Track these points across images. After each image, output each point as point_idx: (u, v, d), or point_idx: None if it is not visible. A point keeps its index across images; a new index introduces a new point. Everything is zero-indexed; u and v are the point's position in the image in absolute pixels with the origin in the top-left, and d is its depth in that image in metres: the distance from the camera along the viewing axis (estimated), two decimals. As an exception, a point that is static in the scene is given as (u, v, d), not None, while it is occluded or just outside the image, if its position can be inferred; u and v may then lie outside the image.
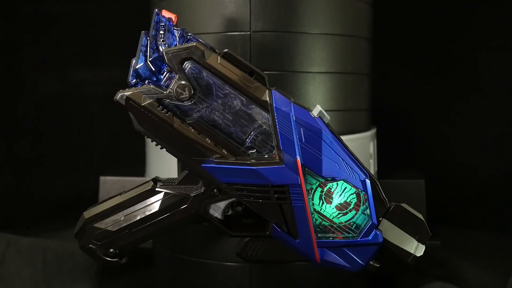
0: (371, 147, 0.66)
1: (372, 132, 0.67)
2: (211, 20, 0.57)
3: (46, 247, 0.73)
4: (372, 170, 0.66)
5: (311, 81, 0.58)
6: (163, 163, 0.63)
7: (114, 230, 0.48)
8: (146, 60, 0.46)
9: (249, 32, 0.56)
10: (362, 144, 0.63)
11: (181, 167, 0.58)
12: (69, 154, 0.97)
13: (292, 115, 0.45)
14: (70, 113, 0.97)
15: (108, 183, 0.80)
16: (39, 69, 0.95)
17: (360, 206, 0.46)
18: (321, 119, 0.45)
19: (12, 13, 0.93)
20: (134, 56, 0.46)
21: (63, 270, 0.71)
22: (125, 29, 0.89)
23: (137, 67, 0.46)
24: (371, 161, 0.66)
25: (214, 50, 0.46)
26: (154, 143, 0.47)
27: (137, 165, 0.77)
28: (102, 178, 0.81)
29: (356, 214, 0.46)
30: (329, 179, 0.45)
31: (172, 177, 0.50)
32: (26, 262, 0.70)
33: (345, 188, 0.46)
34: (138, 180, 0.73)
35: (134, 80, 0.46)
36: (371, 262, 0.47)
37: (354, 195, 0.46)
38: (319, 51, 0.58)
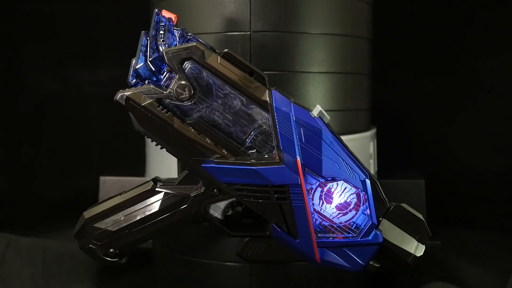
0: (371, 147, 0.66)
1: (372, 132, 0.67)
2: (211, 20, 0.57)
3: (46, 247, 0.73)
4: (372, 170, 0.66)
5: (311, 81, 0.58)
6: (163, 163, 0.63)
7: (114, 230, 0.48)
8: (146, 60, 0.46)
9: (249, 32, 0.56)
10: (362, 144, 0.63)
11: (181, 167, 0.58)
12: (69, 154, 0.97)
13: (292, 115, 0.45)
14: (70, 113, 0.97)
15: (108, 183, 0.80)
16: (39, 69, 0.95)
17: (360, 206, 0.46)
18: (321, 119, 0.45)
19: (12, 12, 0.93)
20: (134, 56, 0.46)
21: (63, 270, 0.70)
22: (125, 29, 0.89)
23: (137, 67, 0.46)
24: (371, 161, 0.66)
25: (214, 50, 0.46)
26: (154, 143, 0.47)
27: (137, 165, 0.77)
28: (102, 178, 0.81)
29: (356, 214, 0.46)
30: (329, 179, 0.46)
31: (172, 177, 0.50)
32: (26, 262, 0.70)
33: (345, 188, 0.46)
34: (138, 180, 0.73)
35: (134, 80, 0.46)
36: (371, 262, 0.47)
37: (354, 195, 0.46)
38: (319, 51, 0.58)
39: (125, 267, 0.54)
